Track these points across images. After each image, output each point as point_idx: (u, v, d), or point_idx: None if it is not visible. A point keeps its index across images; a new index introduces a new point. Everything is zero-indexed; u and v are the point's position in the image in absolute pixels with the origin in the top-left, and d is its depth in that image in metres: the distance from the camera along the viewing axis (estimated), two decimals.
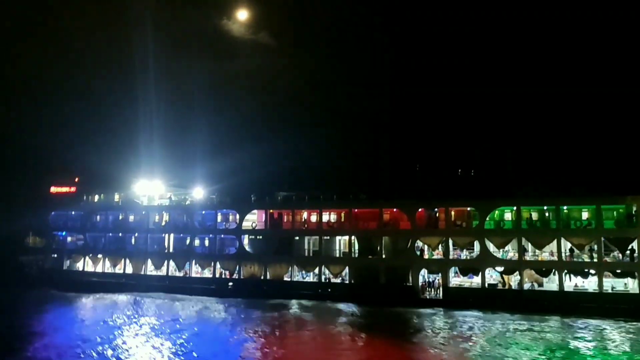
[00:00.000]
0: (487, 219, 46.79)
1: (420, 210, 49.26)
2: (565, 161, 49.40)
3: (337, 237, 52.42)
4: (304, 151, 72.61)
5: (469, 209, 48.08)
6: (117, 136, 77.60)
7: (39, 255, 65.33)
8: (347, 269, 50.31)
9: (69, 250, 64.35)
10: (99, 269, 61.64)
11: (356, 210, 51.90)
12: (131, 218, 62.29)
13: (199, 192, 66.17)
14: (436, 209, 48.93)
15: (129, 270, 59.56)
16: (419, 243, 48.52)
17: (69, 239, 66.01)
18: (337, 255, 51.86)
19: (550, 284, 44.50)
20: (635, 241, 41.66)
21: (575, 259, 43.71)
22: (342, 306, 46.59)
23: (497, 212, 47.68)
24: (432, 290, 47.40)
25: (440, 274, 47.06)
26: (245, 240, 55.76)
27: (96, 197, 65.71)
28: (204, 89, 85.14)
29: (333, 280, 50.76)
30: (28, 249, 66.02)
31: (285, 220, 54.67)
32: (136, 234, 61.27)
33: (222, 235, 57.28)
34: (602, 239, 42.72)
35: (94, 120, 79.97)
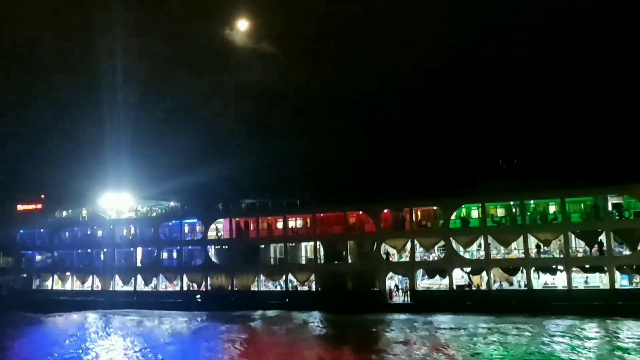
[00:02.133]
0: (454, 217, 45.13)
1: (385, 211, 47.61)
2: (532, 153, 47.47)
3: (303, 244, 50.83)
4: (280, 159, 70.54)
5: (435, 208, 46.42)
6: (84, 150, 75.76)
7: (9, 276, 63.94)
8: (313, 276, 48.65)
9: (37, 269, 62.86)
10: (68, 286, 60.18)
11: (321, 215, 50.24)
12: (99, 233, 60.79)
13: (173, 204, 64.47)
14: (402, 210, 47.31)
15: (98, 286, 58.05)
16: (386, 246, 46.89)
17: (37, 257, 64.49)
18: (303, 262, 50.25)
19: (522, 282, 42.77)
20: (604, 234, 39.87)
21: (545, 256, 42.03)
22: (308, 315, 44.89)
23: (463, 210, 46.00)
24: (400, 294, 45.79)
25: (407, 277, 45.41)
26: (212, 251, 54.19)
27: (64, 213, 64.18)
28: (178, 100, 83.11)
29: (300, 288, 49.16)
30: None
31: (251, 229, 53.06)
32: (104, 249, 59.70)
33: (190, 247, 55.76)
34: (570, 233, 41.00)
35: (60, 135, 78.04)
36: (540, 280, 41.97)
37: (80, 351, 36.70)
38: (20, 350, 39.66)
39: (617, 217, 40.25)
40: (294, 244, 50.72)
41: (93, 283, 58.43)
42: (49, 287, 61.07)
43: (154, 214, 59.70)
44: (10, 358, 37.52)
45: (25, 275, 63.05)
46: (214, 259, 53.48)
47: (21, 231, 64.81)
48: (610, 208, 41.45)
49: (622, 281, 40.19)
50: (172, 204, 63.55)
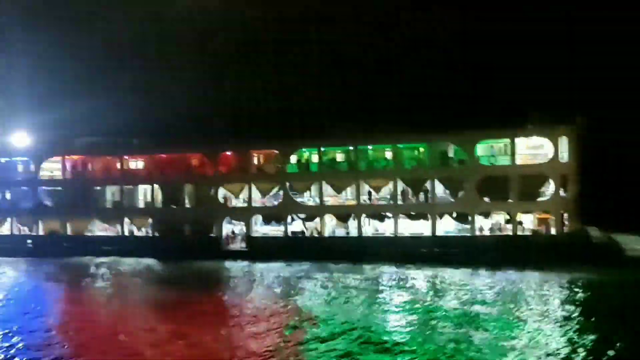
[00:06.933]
0: (293, 162, 43.88)
1: (225, 154, 45.54)
2: (376, 99, 46.34)
3: (141, 187, 47.98)
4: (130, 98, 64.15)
5: (275, 151, 44.83)
6: None
7: None
8: (150, 221, 46.26)
9: None
10: None
11: (161, 157, 47.40)
12: None
13: (23, 138, 58.06)
14: (243, 153, 45.38)
15: None
16: (225, 191, 45.07)
17: None
18: (141, 206, 47.63)
19: (365, 229, 42.25)
20: (429, 182, 40.11)
21: (375, 202, 41.97)
22: (141, 263, 42.79)
23: (305, 154, 44.82)
24: (238, 240, 44.57)
25: (244, 223, 44.13)
26: (47, 193, 50.12)
27: None
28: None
29: (137, 233, 46.74)
30: None
31: (88, 170, 49.40)
32: None
33: (24, 188, 51.22)
34: (399, 180, 40.87)
35: None
36: (371, 227, 42.02)
37: None
38: None
39: (442, 165, 40.43)
40: (131, 187, 47.77)
41: None
42: None
43: None
44: None
45: None
46: (47, 202, 49.51)
47: None
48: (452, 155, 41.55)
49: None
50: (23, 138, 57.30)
